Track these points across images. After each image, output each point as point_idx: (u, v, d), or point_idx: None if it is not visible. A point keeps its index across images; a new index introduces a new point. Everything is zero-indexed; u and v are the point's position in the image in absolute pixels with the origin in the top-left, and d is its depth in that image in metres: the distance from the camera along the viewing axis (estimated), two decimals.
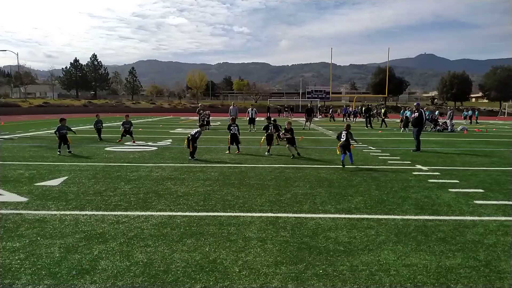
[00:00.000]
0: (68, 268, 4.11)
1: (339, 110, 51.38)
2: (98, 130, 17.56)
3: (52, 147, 14.34)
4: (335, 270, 4.13)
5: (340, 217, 5.97)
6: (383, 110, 32.79)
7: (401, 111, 30.59)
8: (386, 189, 7.93)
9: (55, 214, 6.01)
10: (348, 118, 40.99)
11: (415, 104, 15.51)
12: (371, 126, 28.56)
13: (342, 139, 10.74)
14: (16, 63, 72.35)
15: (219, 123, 32.40)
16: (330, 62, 60.64)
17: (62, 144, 12.72)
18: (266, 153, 13.10)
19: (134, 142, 16.23)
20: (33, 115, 46.04)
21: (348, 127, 10.90)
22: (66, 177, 8.81)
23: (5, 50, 66.54)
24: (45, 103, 66.03)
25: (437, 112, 29.16)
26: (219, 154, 12.91)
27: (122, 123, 16.84)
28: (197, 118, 28.11)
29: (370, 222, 5.74)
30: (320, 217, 5.96)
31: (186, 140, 11.90)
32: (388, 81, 62.53)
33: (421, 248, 4.77)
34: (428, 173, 9.72)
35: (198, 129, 12.16)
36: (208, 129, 23.56)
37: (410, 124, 26.03)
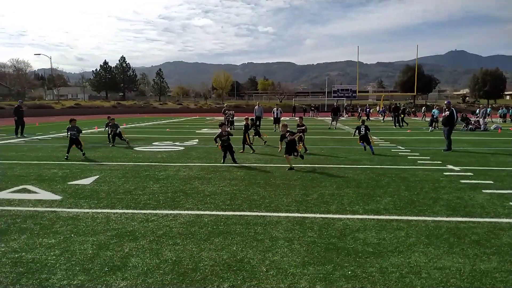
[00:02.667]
0: (101, 264, 4.23)
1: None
2: (114, 134, 16.03)
3: (84, 147, 14.78)
4: (364, 271, 4.06)
5: (368, 218, 5.87)
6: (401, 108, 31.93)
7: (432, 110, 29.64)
8: (416, 189, 7.73)
9: (88, 212, 6.20)
10: (369, 119, 40.31)
11: (445, 102, 15.05)
12: (399, 125, 27.93)
13: (362, 132, 13.27)
14: (49, 66, 75.14)
15: (244, 123, 32.50)
16: (356, 61, 59.79)
17: (75, 147, 12.05)
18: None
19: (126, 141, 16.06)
20: (65, 116, 47.60)
21: (363, 122, 13.73)
22: (97, 176, 9.08)
23: (39, 54, 69.24)
24: (76, 104, 68.29)
25: (481, 110, 26.62)
26: (245, 154, 12.96)
27: (109, 126, 16.00)
28: (222, 118, 28.34)
29: (399, 224, 5.62)
30: (348, 218, 5.88)
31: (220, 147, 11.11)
32: (416, 79, 61.04)
33: (453, 250, 4.62)
34: (460, 174, 9.42)
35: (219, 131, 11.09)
36: (233, 129, 23.67)
37: (434, 123, 25.39)
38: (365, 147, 13.43)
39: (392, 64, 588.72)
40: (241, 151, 13.48)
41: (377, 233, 5.21)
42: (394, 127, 27.61)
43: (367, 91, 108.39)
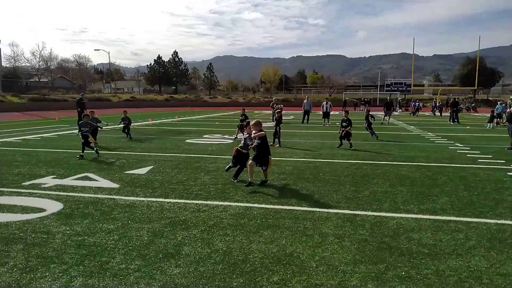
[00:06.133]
0: (155, 251, 4.42)
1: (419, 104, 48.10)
2: (125, 128, 15.72)
3: (139, 138, 15.50)
4: (419, 273, 3.90)
5: (424, 218, 5.61)
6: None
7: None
8: (477, 190, 7.27)
9: (143, 201, 6.49)
10: (416, 113, 38.11)
11: (511, 97, 13.98)
12: (457, 122, 26.38)
13: (371, 121, 16.03)
14: (107, 61, 79.33)
15: (292, 117, 32.36)
16: (411, 53, 57.17)
17: (87, 145, 10.95)
18: (349, 148, 12.77)
19: (130, 138, 15.28)
20: (122, 109, 50.10)
21: (368, 111, 17.16)
22: (152, 167, 9.47)
23: (99, 50, 73.63)
24: (132, 97, 71.59)
25: None
26: (292, 149, 12.89)
27: (121, 119, 15.98)
28: (270, 112, 28.38)
29: (458, 225, 5.32)
30: (401, 217, 5.66)
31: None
32: (478, 72, 57.25)
33: None
34: None
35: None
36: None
37: (496, 119, 23.69)
38: (371, 134, 15.71)
39: (450, 56, 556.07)
40: (271, 143, 13.33)
41: (433, 234, 4.97)
42: (452, 123, 26.12)
43: (423, 85, 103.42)
